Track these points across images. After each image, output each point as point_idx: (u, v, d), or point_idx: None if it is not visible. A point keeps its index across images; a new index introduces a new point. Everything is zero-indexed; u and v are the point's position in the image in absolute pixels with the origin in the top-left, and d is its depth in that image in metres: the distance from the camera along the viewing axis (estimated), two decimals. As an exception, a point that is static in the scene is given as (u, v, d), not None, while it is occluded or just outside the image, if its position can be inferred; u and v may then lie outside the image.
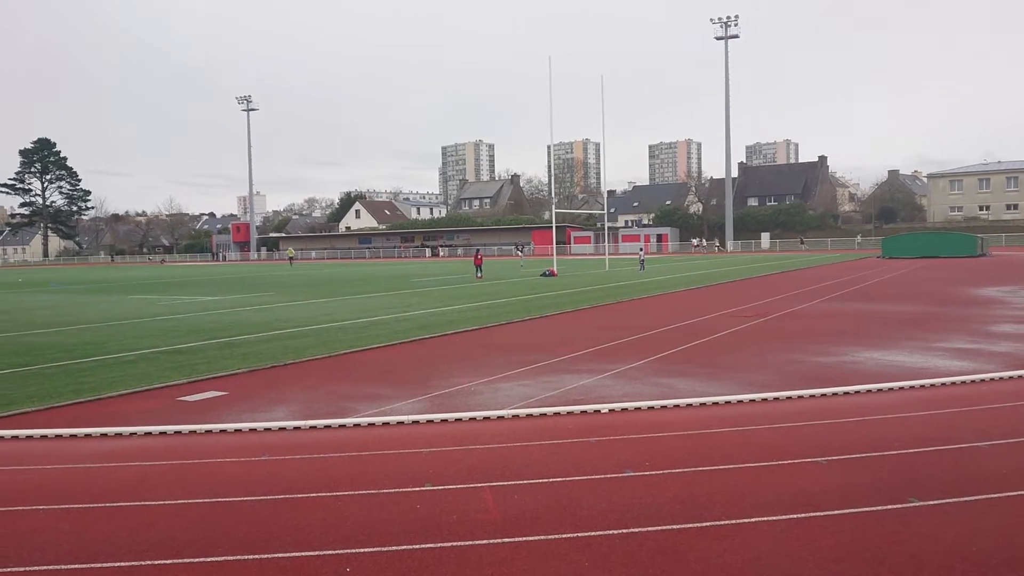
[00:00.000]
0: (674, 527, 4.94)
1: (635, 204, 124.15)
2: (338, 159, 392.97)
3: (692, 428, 7.66)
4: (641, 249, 44.62)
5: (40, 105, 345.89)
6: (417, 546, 4.73)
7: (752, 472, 6.13)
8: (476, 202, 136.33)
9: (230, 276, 48.27)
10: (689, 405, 8.64)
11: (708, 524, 4.99)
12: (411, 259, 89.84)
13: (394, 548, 4.71)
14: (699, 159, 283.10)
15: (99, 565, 4.57)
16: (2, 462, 6.97)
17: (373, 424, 8.07)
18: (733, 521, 5.03)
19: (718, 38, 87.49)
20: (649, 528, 4.92)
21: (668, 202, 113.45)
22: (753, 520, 5.04)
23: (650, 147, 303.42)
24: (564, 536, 4.84)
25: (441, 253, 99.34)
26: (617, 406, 8.54)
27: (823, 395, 9.04)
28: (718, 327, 15.75)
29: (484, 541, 4.79)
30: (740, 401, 8.81)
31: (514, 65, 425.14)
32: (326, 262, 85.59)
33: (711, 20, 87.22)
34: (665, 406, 8.60)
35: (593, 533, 4.87)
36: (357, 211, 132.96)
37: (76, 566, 4.56)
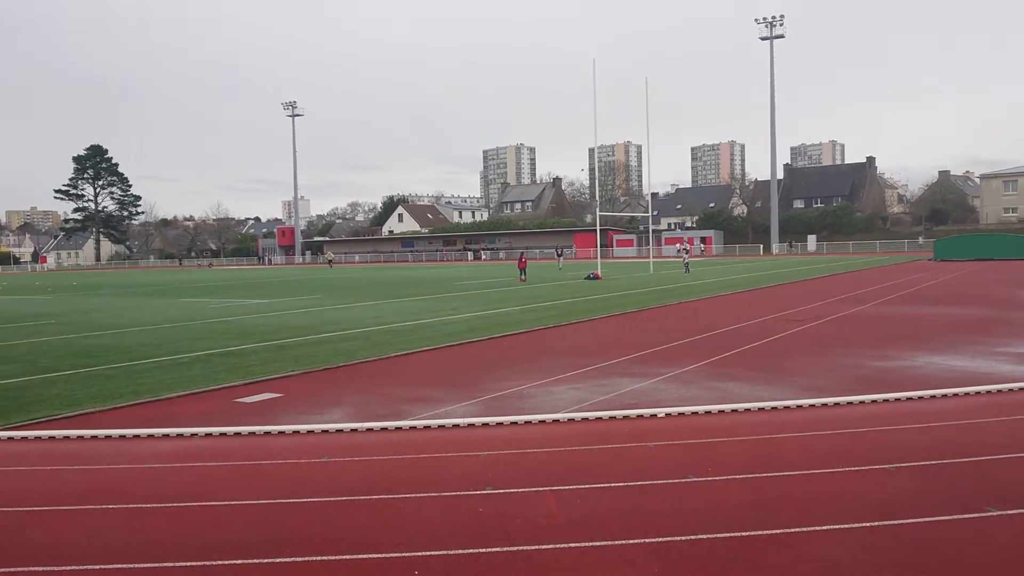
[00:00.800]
0: (743, 534, 4.84)
1: (678, 206, 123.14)
2: (381, 164, 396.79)
3: (752, 433, 7.53)
4: (686, 251, 43.84)
5: (92, 113, 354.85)
6: (483, 550, 4.71)
7: (818, 479, 5.99)
8: (518, 205, 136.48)
9: (276, 280, 48.93)
10: (747, 410, 8.50)
11: (778, 531, 4.88)
12: (453, 262, 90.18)
13: (460, 552, 4.69)
14: (742, 161, 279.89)
15: (169, 565, 4.62)
16: (70, 461, 7.11)
17: (428, 427, 8.08)
18: (803, 529, 4.91)
19: (763, 38, 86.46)
20: (719, 535, 4.83)
21: (712, 204, 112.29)
22: (824, 528, 4.92)
23: (692, 149, 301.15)
24: (632, 542, 4.77)
25: (483, 256, 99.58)
26: (673, 410, 8.43)
27: (885, 400, 8.83)
28: (771, 331, 15.51)
29: (550, 546, 4.75)
30: (800, 406, 8.64)
31: (554, 68, 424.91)
32: (369, 266, 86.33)
33: (756, 20, 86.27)
34: (723, 411, 8.46)
35: (662, 539, 4.79)
36: (400, 215, 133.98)
37: (147, 565, 4.62)
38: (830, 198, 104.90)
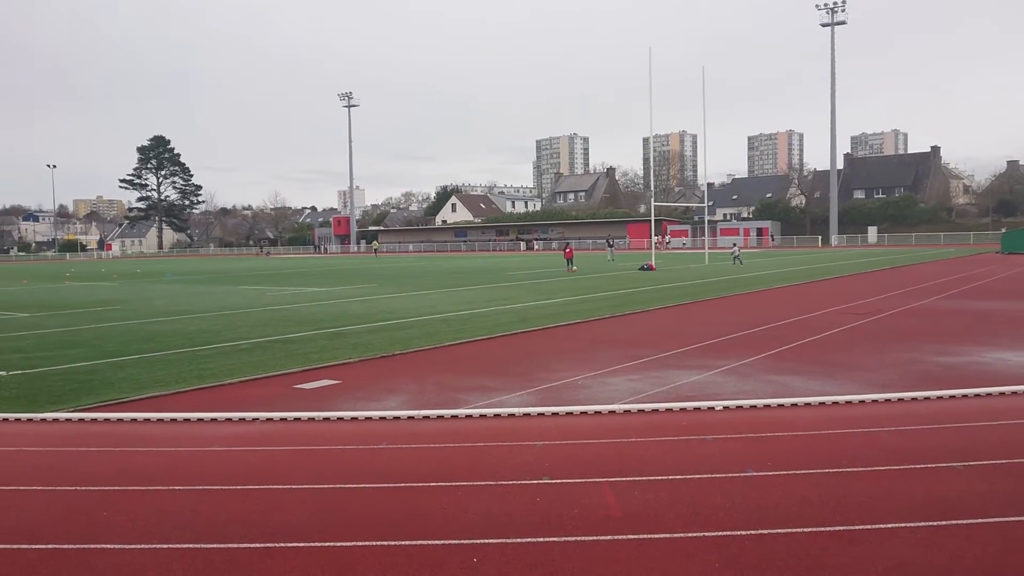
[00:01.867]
0: (806, 530, 4.77)
1: (734, 197, 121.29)
2: (434, 154, 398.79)
3: (813, 428, 7.40)
4: (736, 244, 42.76)
5: (155, 104, 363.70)
6: (541, 539, 4.72)
7: (883, 476, 5.86)
8: (571, 195, 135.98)
9: (332, 268, 49.62)
10: (807, 404, 8.35)
11: (842, 528, 4.79)
12: (506, 252, 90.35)
13: (518, 540, 4.71)
14: (800, 150, 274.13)
15: (235, 546, 4.74)
16: (139, 443, 7.32)
17: (484, 415, 8.12)
18: (869, 527, 4.81)
19: (824, 24, 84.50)
20: (780, 530, 4.76)
21: (769, 195, 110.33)
22: (890, 526, 4.81)
23: (749, 138, 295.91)
24: (691, 535, 4.73)
25: (535, 247, 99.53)
26: (731, 403, 8.33)
27: (952, 396, 8.58)
28: (830, 324, 15.20)
29: (608, 537, 4.73)
30: (862, 401, 8.46)
31: (608, 57, 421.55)
32: (422, 255, 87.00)
33: (816, 7, 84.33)
34: (782, 404, 8.33)
35: (721, 533, 4.74)
36: (453, 205, 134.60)
37: (215, 546, 4.74)
38: (892, 189, 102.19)
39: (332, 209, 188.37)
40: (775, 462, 6.23)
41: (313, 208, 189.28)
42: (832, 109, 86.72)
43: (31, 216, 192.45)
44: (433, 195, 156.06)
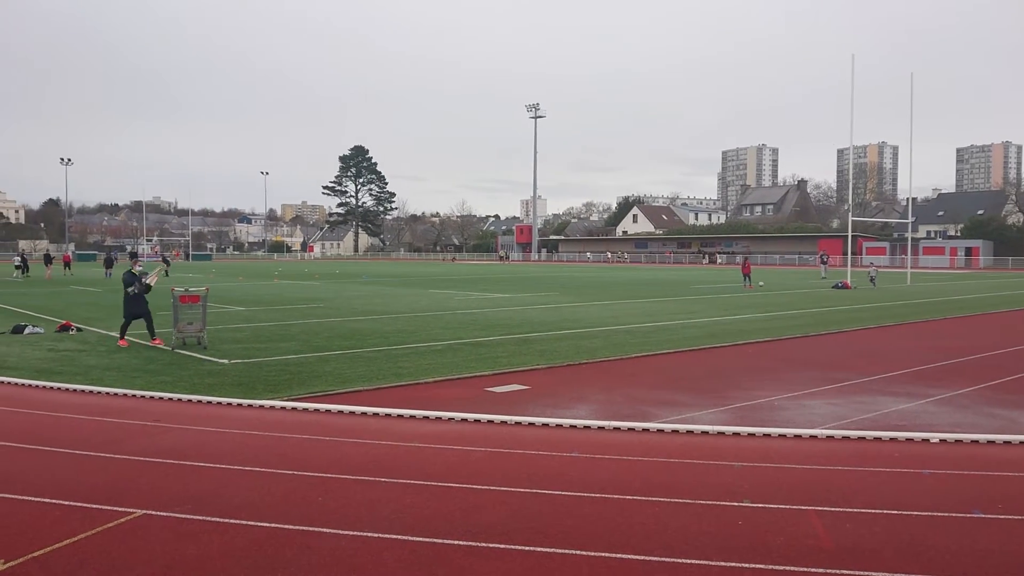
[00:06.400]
0: (1050, 585, 4.28)
1: (940, 213, 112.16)
2: (616, 165, 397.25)
3: (1049, 470, 6.66)
4: (873, 264, 38.27)
5: (357, 116, 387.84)
6: (745, 565, 4.53)
7: None
8: (758, 208, 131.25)
9: (515, 275, 50.64)
10: (1041, 443, 7.53)
11: (1095, 587, 4.26)
12: (688, 265, 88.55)
13: (720, 563, 4.55)
14: (1018, 164, 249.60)
15: (439, 541, 4.89)
16: (346, 434, 7.77)
17: (676, 431, 7.95)
18: None
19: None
20: (1019, 582, 4.31)
21: (980, 212, 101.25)
22: None
23: (958, 150, 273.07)
24: (914, 577, 4.38)
25: (719, 260, 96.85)
26: (950, 436, 7.66)
27: None
28: (1061, 356, 13.68)
29: (819, 570, 4.47)
30: (1108, 445, 7.52)
31: (800, 65, 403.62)
32: (602, 265, 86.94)
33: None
34: (1009, 442, 7.57)
35: (949, 578, 4.35)
36: (635, 216, 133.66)
37: (421, 539, 4.92)
38: None
39: (515, 217, 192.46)
40: (1007, 505, 5.65)
41: (496, 216, 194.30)
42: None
43: (245, 219, 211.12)
44: (614, 206, 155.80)
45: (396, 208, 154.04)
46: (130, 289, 14.17)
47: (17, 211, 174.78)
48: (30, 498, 5.72)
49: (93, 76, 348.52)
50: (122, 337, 14.41)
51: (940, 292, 33.04)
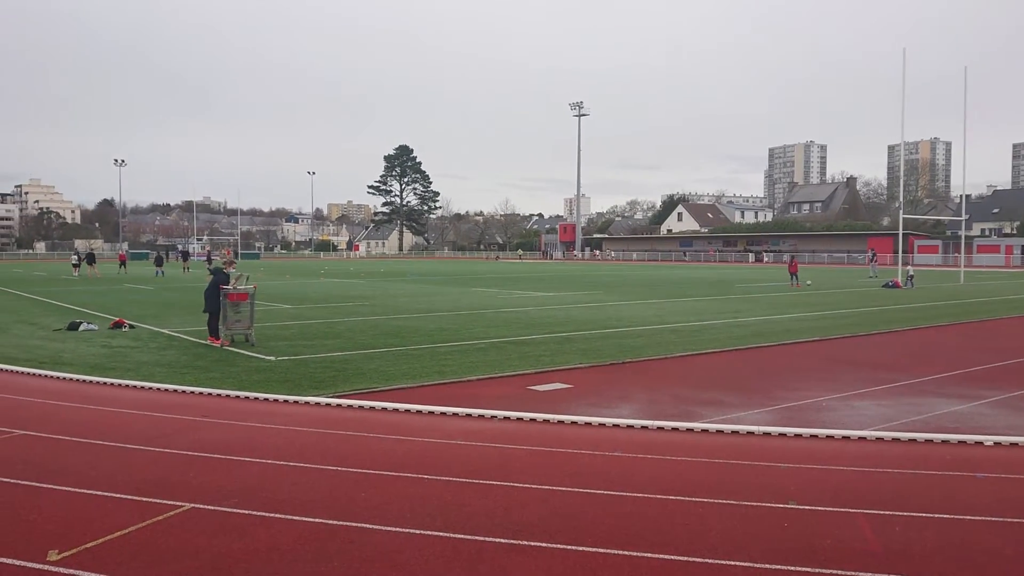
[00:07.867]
0: (1112, 594, 4.14)
1: (995, 211, 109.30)
2: (660, 163, 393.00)
3: (1110, 476, 6.44)
4: (908, 266, 36.78)
5: (402, 116, 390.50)
6: (792, 567, 4.46)
7: None
8: (806, 206, 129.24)
9: (559, 274, 50.55)
10: (1102, 448, 7.29)
11: None
12: (733, 263, 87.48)
13: (767, 566, 4.48)
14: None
15: (481, 538, 4.90)
16: (389, 431, 7.83)
17: (722, 431, 7.86)
18: None
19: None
20: (1078, 590, 4.17)
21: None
22: None
23: (1014, 146, 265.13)
24: (967, 583, 4.26)
25: (765, 259, 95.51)
26: (1005, 439, 7.46)
27: None
28: (1123, 357, 13.22)
29: (867, 574, 4.38)
30: None
31: (849, 60, 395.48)
32: (647, 264, 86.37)
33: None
34: (1068, 446, 7.33)
35: (1004, 585, 4.23)
36: (679, 214, 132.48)
37: (463, 536, 4.93)
38: None
39: (558, 216, 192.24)
40: (1065, 511, 5.48)
41: (540, 215, 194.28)
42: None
43: (292, 218, 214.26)
44: (659, 204, 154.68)
45: (440, 207, 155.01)
46: (224, 288, 14.03)
47: (73, 211, 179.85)
48: (83, 491, 5.87)
49: (146, 81, 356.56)
50: (216, 335, 14.21)
51: (994, 291, 32.17)
